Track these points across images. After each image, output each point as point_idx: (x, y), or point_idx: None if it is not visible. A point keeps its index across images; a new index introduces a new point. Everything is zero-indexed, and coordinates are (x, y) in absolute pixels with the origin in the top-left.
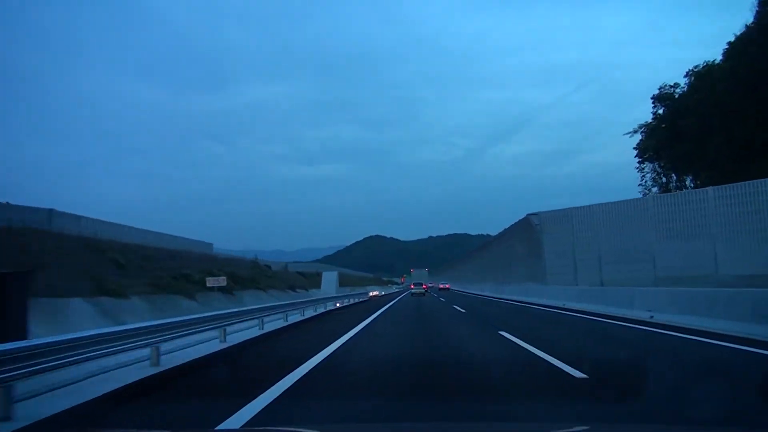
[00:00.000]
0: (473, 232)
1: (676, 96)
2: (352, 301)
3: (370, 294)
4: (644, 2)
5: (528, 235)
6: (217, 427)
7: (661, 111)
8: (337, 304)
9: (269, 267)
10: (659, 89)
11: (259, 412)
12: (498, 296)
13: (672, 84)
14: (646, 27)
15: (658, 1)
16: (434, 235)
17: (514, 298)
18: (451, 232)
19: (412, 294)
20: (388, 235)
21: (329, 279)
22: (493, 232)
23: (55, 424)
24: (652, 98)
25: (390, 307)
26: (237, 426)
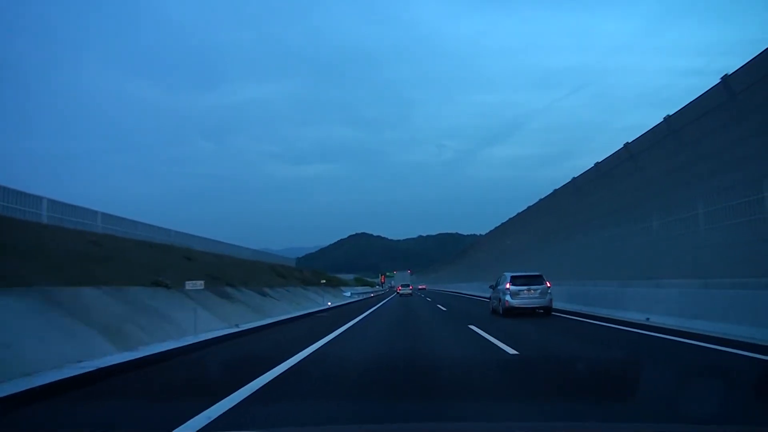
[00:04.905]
0: (464, 232)
1: None
2: None
3: None
4: (639, 9)
5: None
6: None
7: None
8: None
9: None
10: None
11: None
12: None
13: None
14: (641, 33)
15: (653, 8)
16: (424, 234)
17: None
18: (442, 231)
19: (400, 295)
20: (375, 234)
21: None
22: (484, 232)
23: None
24: None
25: None
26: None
